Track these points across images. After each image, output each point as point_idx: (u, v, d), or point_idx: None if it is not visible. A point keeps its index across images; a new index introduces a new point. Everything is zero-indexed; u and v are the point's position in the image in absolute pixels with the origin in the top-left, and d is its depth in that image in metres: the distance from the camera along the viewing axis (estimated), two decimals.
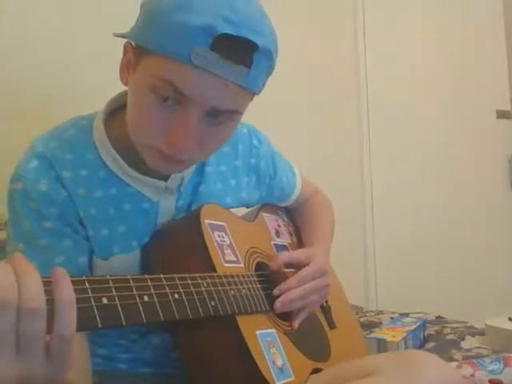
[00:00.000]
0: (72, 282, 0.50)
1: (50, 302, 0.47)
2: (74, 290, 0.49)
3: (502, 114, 2.48)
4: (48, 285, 0.49)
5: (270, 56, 0.72)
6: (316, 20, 1.95)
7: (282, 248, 1.03)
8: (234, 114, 0.75)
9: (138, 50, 0.73)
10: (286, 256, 0.92)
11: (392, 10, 2.20)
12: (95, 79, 1.26)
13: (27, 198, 0.77)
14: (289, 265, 0.92)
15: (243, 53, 0.68)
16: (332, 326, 1.01)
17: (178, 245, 0.82)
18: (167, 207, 0.87)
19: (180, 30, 0.67)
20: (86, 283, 0.52)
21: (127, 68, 0.77)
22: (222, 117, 0.73)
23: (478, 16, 2.42)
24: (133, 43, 0.75)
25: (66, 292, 0.49)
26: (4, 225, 1.05)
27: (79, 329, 0.49)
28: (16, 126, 1.16)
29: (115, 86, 0.82)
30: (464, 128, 2.37)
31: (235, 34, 0.67)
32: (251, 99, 0.77)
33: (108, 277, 0.56)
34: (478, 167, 2.41)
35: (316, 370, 0.84)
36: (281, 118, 1.78)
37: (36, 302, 0.46)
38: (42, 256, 0.76)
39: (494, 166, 2.48)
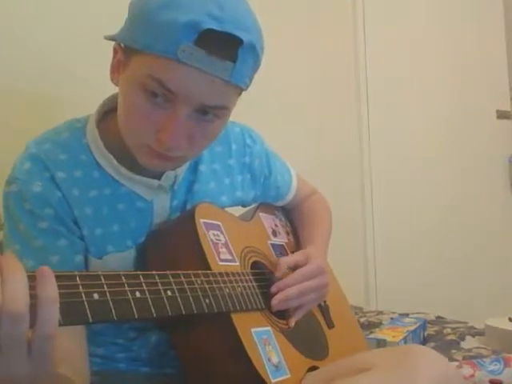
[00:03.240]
0: (63, 277, 0.50)
1: (34, 297, 0.47)
2: (65, 285, 0.50)
3: (501, 114, 2.47)
4: (34, 281, 0.49)
5: (255, 51, 0.73)
6: (316, 20, 1.95)
7: (279, 247, 1.03)
8: (222, 109, 0.76)
9: (127, 51, 0.74)
10: (288, 261, 0.91)
11: (392, 9, 2.20)
12: (95, 79, 1.26)
13: (22, 199, 0.78)
14: (291, 268, 0.92)
15: (228, 48, 0.69)
16: (330, 325, 1.01)
17: (173, 244, 0.82)
18: (161, 206, 0.87)
19: (166, 28, 0.68)
20: (77, 278, 0.52)
21: (117, 69, 0.78)
22: (210, 113, 0.74)
23: (478, 16, 2.42)
24: (122, 44, 0.76)
25: (49, 289, 0.48)
26: (2, 225, 1.06)
27: (70, 323, 0.49)
28: (16, 126, 1.17)
29: (115, 86, 0.83)
30: (464, 128, 2.37)
31: (219, 29, 0.68)
32: (239, 95, 0.78)
33: (100, 273, 0.56)
34: (478, 167, 2.40)
35: (313, 368, 0.84)
36: (281, 118, 1.78)
37: (19, 305, 0.46)
38: (38, 256, 0.77)
39: (494, 166, 2.48)
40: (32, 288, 0.48)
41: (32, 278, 0.48)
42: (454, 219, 2.30)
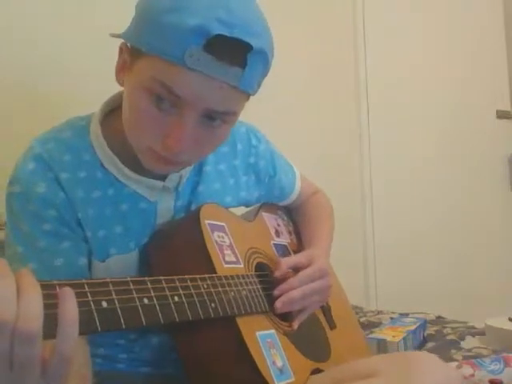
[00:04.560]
0: (71, 285, 0.50)
1: (52, 313, 0.47)
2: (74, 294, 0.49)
3: (502, 114, 2.47)
4: (49, 297, 0.48)
5: (264, 57, 0.72)
6: (316, 20, 1.95)
7: (281, 248, 1.03)
8: (230, 115, 0.75)
9: (133, 51, 0.73)
10: (288, 262, 0.91)
11: (392, 10, 2.19)
12: (95, 79, 1.26)
13: (25, 200, 0.77)
14: (291, 269, 0.92)
15: (237, 54, 0.68)
16: (332, 326, 1.01)
17: (177, 245, 0.81)
18: (165, 207, 0.87)
19: (173, 32, 0.66)
20: (86, 286, 0.52)
21: (123, 69, 0.77)
22: (217, 118, 0.73)
23: (478, 16, 2.42)
24: (128, 44, 0.75)
25: (72, 312, 0.49)
26: (4, 225, 1.05)
27: (79, 333, 0.49)
28: (16, 126, 1.16)
29: (115, 87, 0.83)
30: (464, 128, 2.37)
31: (229, 35, 0.66)
32: (247, 100, 0.77)
33: (108, 280, 0.56)
34: (478, 167, 2.40)
35: (316, 371, 0.84)
36: (281, 118, 1.78)
37: (32, 324, 0.46)
38: (41, 258, 0.76)
39: (494, 166, 2.48)
40: (48, 306, 0.47)
41: (49, 293, 0.48)
42: (453, 219, 2.30)
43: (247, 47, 0.68)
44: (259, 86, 0.76)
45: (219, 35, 0.66)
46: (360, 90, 2.11)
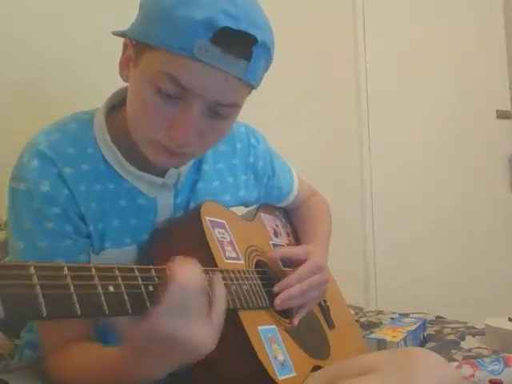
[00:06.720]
0: (79, 268, 0.51)
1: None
2: (82, 276, 0.51)
3: (501, 114, 2.48)
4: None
5: (267, 50, 0.74)
6: (316, 19, 1.95)
7: (280, 248, 1.03)
8: (234, 107, 0.76)
9: (139, 46, 0.74)
10: (283, 250, 0.93)
11: (392, 9, 2.20)
12: (95, 78, 1.26)
13: (30, 198, 0.77)
14: (287, 260, 0.93)
15: (243, 46, 0.70)
16: (331, 326, 1.01)
17: (178, 242, 0.82)
18: (165, 204, 0.88)
19: (182, 25, 0.68)
20: (93, 270, 0.53)
21: (127, 64, 0.78)
22: (222, 110, 0.75)
23: (478, 16, 2.42)
24: (133, 40, 0.76)
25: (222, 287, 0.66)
26: (4, 225, 1.05)
27: (87, 315, 0.50)
28: (16, 126, 1.16)
29: (115, 85, 0.83)
30: (464, 128, 2.37)
31: (235, 27, 0.68)
32: (249, 92, 0.79)
33: (115, 265, 0.56)
34: (478, 167, 2.41)
35: (316, 368, 0.84)
36: (281, 117, 1.78)
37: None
38: (42, 256, 0.77)
39: (494, 166, 2.48)
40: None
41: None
42: (453, 219, 2.30)
43: (252, 40, 0.70)
44: (261, 79, 0.78)
45: (226, 27, 0.67)
46: (360, 89, 2.12)
